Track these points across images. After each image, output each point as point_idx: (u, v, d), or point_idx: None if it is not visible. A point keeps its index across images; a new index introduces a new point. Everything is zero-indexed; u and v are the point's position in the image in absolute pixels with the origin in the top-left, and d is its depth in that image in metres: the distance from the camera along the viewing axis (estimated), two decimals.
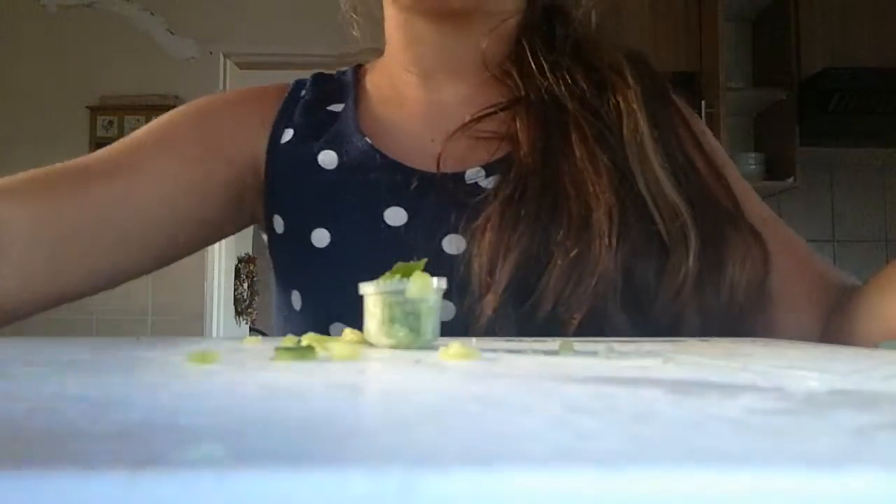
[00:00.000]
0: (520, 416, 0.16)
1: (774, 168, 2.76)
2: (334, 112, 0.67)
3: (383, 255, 0.54)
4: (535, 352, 0.33)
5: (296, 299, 0.62)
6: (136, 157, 0.61)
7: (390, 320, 0.37)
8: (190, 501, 0.09)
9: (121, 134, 2.86)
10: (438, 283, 0.37)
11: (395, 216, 0.59)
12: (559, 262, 0.52)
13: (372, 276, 0.54)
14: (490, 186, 0.57)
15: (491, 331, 0.51)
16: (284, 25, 2.85)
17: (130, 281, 0.62)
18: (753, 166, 2.77)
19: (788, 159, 2.67)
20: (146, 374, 0.23)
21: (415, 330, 0.36)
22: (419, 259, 0.52)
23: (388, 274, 0.38)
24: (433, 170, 0.59)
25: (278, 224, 0.64)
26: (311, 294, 0.61)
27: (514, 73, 0.63)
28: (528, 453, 0.11)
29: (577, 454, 0.12)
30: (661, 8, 2.64)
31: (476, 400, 0.18)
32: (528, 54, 0.63)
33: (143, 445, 0.12)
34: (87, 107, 2.92)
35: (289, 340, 0.36)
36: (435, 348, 0.34)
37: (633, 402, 0.18)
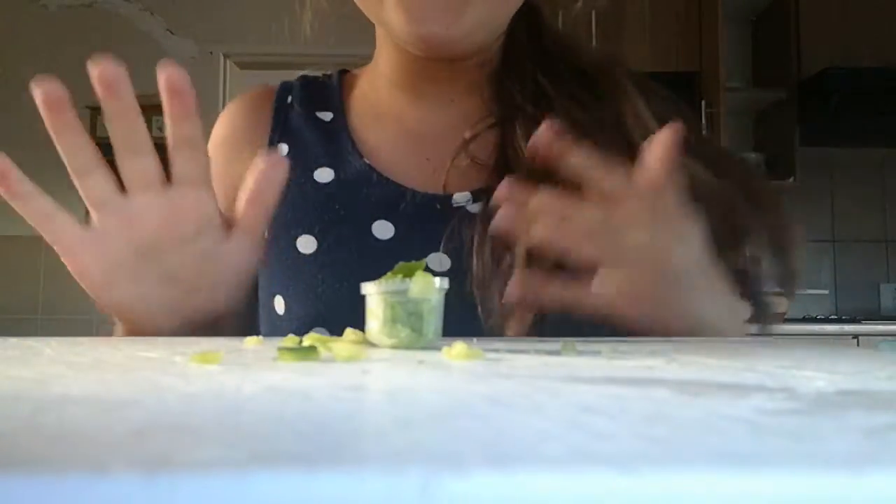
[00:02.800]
0: (532, 416, 0.15)
1: (774, 168, 2.76)
2: (324, 121, 0.68)
3: (369, 265, 0.56)
4: (538, 352, 0.33)
5: (279, 305, 0.62)
6: None
7: (392, 320, 0.36)
8: (208, 503, 0.09)
9: None
10: (441, 283, 0.37)
11: (383, 229, 0.60)
12: None
13: (355, 285, 0.56)
14: (475, 211, 0.59)
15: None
16: (284, 25, 2.86)
17: None
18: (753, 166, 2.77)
19: (788, 159, 2.67)
20: (150, 375, 0.23)
21: (417, 330, 0.36)
22: None
23: (389, 274, 0.38)
24: (425, 188, 0.61)
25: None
26: (295, 299, 0.61)
27: (513, 90, 0.63)
28: (547, 454, 0.11)
29: (595, 455, 0.11)
30: (661, 8, 2.64)
31: (485, 400, 0.18)
32: (525, 67, 0.64)
33: (156, 447, 0.12)
34: (87, 107, 2.91)
35: (290, 340, 0.36)
36: (438, 348, 0.34)
37: (644, 403, 0.18)
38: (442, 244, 0.58)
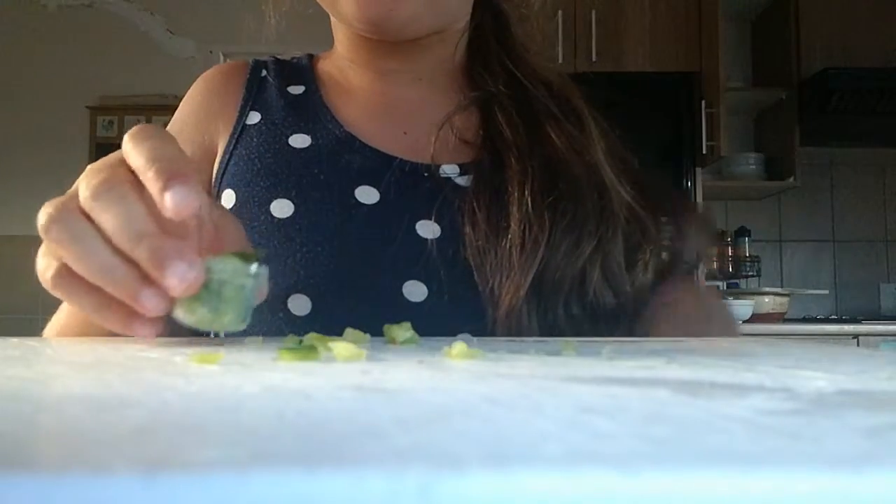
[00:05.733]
0: (532, 416, 0.15)
1: (774, 168, 2.76)
2: (296, 94, 0.67)
3: (352, 229, 0.58)
4: (538, 352, 0.33)
5: None
6: None
7: (195, 297, 0.34)
8: (208, 502, 0.09)
9: (121, 134, 2.85)
10: (256, 269, 0.36)
11: (367, 195, 0.59)
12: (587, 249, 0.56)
13: (338, 248, 0.56)
14: (464, 184, 0.60)
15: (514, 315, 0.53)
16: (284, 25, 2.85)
17: None
18: (753, 166, 2.78)
19: (788, 159, 2.67)
20: (150, 375, 0.23)
21: (214, 311, 0.35)
22: (392, 237, 0.56)
23: (226, 253, 0.36)
24: (410, 158, 0.61)
25: (227, 199, 0.61)
26: (272, 265, 0.59)
27: (484, 76, 0.66)
28: (546, 455, 0.11)
29: (595, 456, 0.11)
30: (661, 8, 2.64)
31: (485, 400, 0.18)
32: (492, 56, 0.67)
33: (156, 446, 0.12)
34: (87, 107, 2.92)
35: (291, 340, 0.36)
36: (439, 348, 0.34)
37: (644, 403, 0.18)
38: (434, 213, 0.57)
